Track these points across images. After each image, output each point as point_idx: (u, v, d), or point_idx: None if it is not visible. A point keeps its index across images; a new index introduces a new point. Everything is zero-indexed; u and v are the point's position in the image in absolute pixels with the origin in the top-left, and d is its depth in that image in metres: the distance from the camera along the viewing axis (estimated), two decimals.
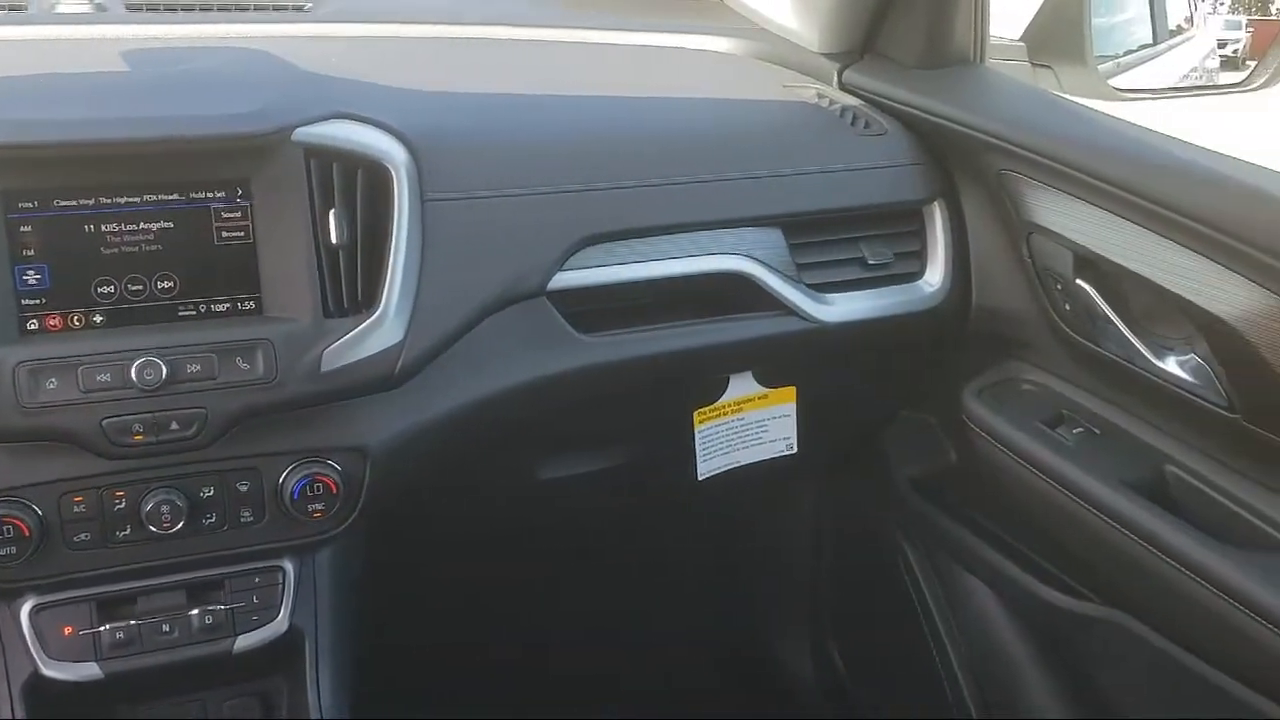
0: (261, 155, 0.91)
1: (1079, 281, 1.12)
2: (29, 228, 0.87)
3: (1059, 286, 1.15)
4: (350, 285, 0.94)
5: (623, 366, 1.10)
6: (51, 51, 1.16)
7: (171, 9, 1.30)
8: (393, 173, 0.95)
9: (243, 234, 0.92)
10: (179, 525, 0.94)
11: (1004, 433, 1.20)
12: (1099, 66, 1.53)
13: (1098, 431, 1.17)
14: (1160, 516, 1.04)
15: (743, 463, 1.30)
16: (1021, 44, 1.50)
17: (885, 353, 1.31)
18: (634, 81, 1.34)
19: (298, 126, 0.92)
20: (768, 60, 1.45)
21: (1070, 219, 1.10)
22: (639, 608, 1.75)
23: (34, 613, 0.97)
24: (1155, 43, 2.35)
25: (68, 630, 0.97)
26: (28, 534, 0.91)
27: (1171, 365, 1.07)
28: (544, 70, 1.34)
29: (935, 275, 1.23)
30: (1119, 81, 1.70)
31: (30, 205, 0.87)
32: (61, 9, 1.25)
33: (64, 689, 0.98)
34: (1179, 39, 2.60)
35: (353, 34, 1.34)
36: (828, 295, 1.19)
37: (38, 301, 0.89)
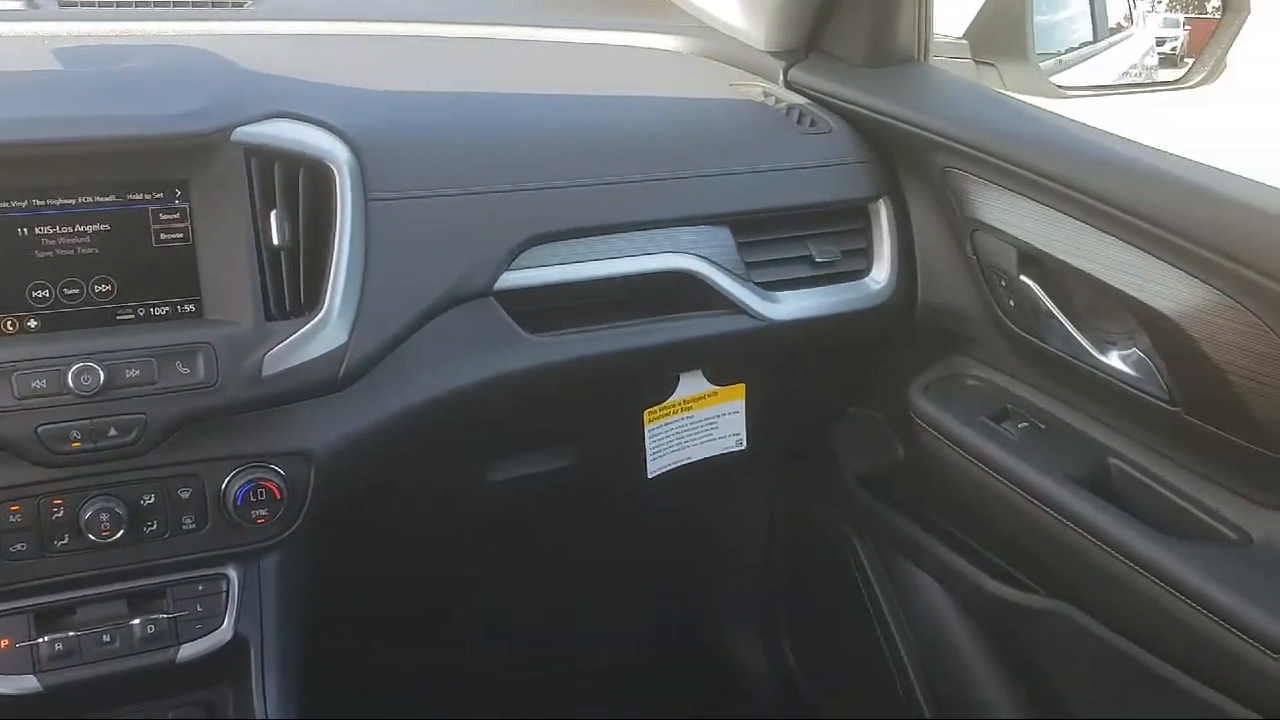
0: (201, 155, 0.90)
1: (1023, 277, 1.13)
2: None
3: (1003, 283, 1.16)
4: (293, 287, 0.93)
5: (572, 366, 1.10)
6: None
7: (107, 5, 1.27)
8: (335, 172, 0.94)
9: (182, 236, 0.91)
10: (119, 534, 0.93)
11: (950, 428, 1.21)
12: (1041, 64, 1.54)
13: (1042, 426, 1.18)
14: (1103, 509, 1.06)
15: (693, 459, 1.30)
16: (964, 42, 1.51)
17: (833, 350, 1.32)
18: (581, 79, 1.33)
19: (237, 126, 0.90)
20: (714, 58, 1.45)
21: (1014, 215, 1.11)
22: (591, 607, 1.74)
23: None
24: (1096, 40, 2.38)
25: (4, 643, 0.95)
26: None
27: (1114, 360, 1.08)
28: (490, 68, 1.33)
29: (881, 273, 1.24)
30: (1061, 79, 1.72)
31: None
32: None
33: (0, 703, 0.96)
34: (1119, 36, 2.63)
35: (294, 31, 1.32)
36: (776, 293, 1.19)
37: None
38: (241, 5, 1.35)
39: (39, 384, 0.86)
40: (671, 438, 1.28)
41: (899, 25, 1.30)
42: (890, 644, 1.46)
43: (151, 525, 0.95)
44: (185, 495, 0.95)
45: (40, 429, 0.87)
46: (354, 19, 1.37)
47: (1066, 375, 1.14)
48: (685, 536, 1.78)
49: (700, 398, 1.28)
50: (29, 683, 0.96)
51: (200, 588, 1.00)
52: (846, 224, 1.24)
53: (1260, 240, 0.91)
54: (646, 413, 1.24)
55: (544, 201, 1.06)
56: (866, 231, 1.25)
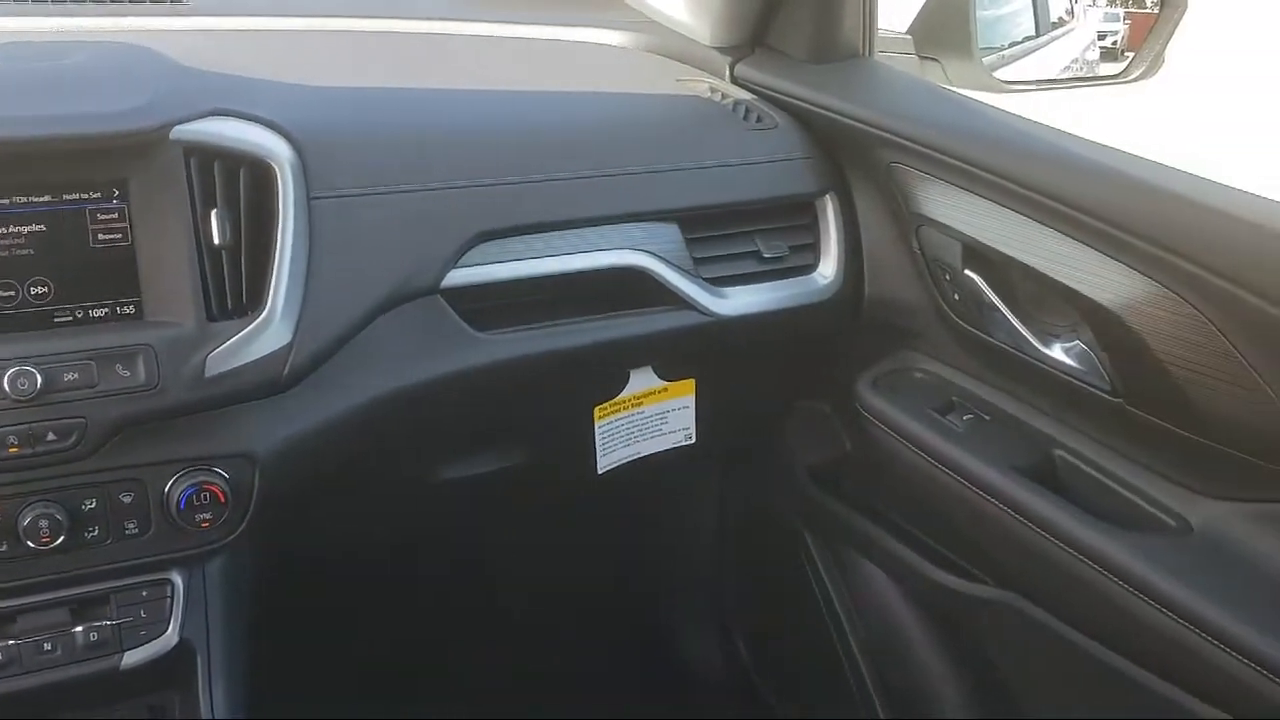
0: (139, 154, 0.88)
1: (967, 271, 1.14)
2: None
3: (948, 277, 1.17)
4: (235, 287, 0.91)
5: (521, 363, 1.10)
6: None
7: (41, 0, 1.25)
8: (276, 170, 0.93)
9: (121, 236, 0.89)
10: (60, 540, 0.91)
11: (897, 420, 1.22)
12: (984, 59, 1.55)
13: (987, 417, 1.20)
14: (1047, 499, 1.07)
15: (643, 455, 1.30)
16: (909, 37, 1.52)
17: (782, 344, 1.33)
18: (527, 75, 1.33)
19: (176, 124, 0.89)
20: (660, 54, 1.45)
21: (958, 210, 1.12)
22: (543, 603, 1.74)
23: None
24: (1038, 35, 2.40)
25: None
26: None
27: (1057, 352, 1.10)
28: (434, 64, 1.32)
29: (829, 267, 1.25)
30: (1004, 73, 1.73)
31: None
32: None
33: None
34: (1061, 31, 2.66)
35: (234, 27, 1.30)
36: (724, 289, 1.19)
37: None
38: (181, 0, 1.33)
39: None
40: (622, 433, 1.28)
41: (843, 21, 1.31)
42: (841, 636, 1.47)
43: (93, 531, 0.93)
44: (127, 500, 0.94)
45: None
46: (297, 14, 1.36)
47: (1010, 367, 1.16)
48: (637, 531, 1.78)
49: (650, 393, 1.28)
50: None
51: (144, 593, 0.98)
52: (793, 219, 1.25)
53: (1199, 234, 0.93)
54: (596, 409, 1.24)
55: (491, 198, 1.06)
56: (813, 227, 1.26)
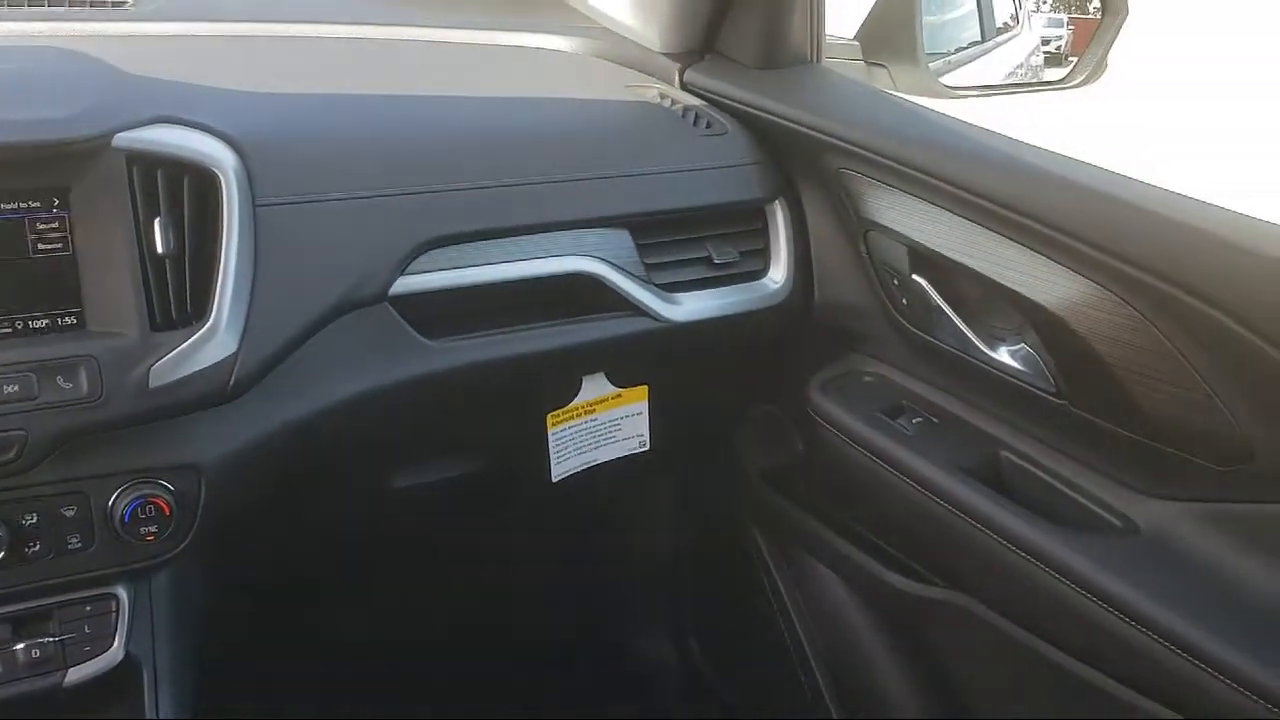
0: (80, 162, 0.87)
1: (914, 276, 1.15)
2: None
3: (896, 281, 1.18)
4: (179, 296, 0.90)
5: (472, 371, 1.09)
6: None
7: None
8: (221, 178, 0.91)
9: (61, 245, 0.87)
10: (0, 555, 0.89)
11: (847, 424, 1.23)
12: (930, 64, 1.57)
13: (936, 420, 1.21)
14: (994, 500, 1.08)
15: (597, 462, 1.30)
16: (856, 43, 1.53)
17: (734, 349, 1.33)
18: (474, 81, 1.32)
19: (118, 131, 0.87)
20: (610, 60, 1.45)
21: (905, 216, 1.13)
22: (498, 609, 1.73)
23: None
24: (984, 40, 2.43)
25: None
26: None
27: (1003, 355, 1.11)
28: (381, 70, 1.31)
29: (779, 273, 1.25)
30: (950, 79, 1.76)
31: None
32: None
33: None
34: (1006, 36, 2.70)
35: (178, 32, 1.28)
36: (676, 295, 1.19)
37: None
38: (123, 4, 1.31)
39: None
40: (575, 441, 1.27)
41: (791, 27, 1.32)
42: (794, 638, 1.48)
43: (35, 546, 0.91)
44: (70, 514, 0.92)
45: None
46: (242, 19, 1.34)
47: (958, 370, 1.17)
48: (592, 537, 1.78)
49: (603, 400, 1.28)
50: None
51: (88, 608, 0.96)
52: (744, 225, 1.25)
53: (1140, 237, 0.95)
54: (549, 416, 1.24)
55: (439, 205, 1.05)
56: (764, 232, 1.26)
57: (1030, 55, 2.84)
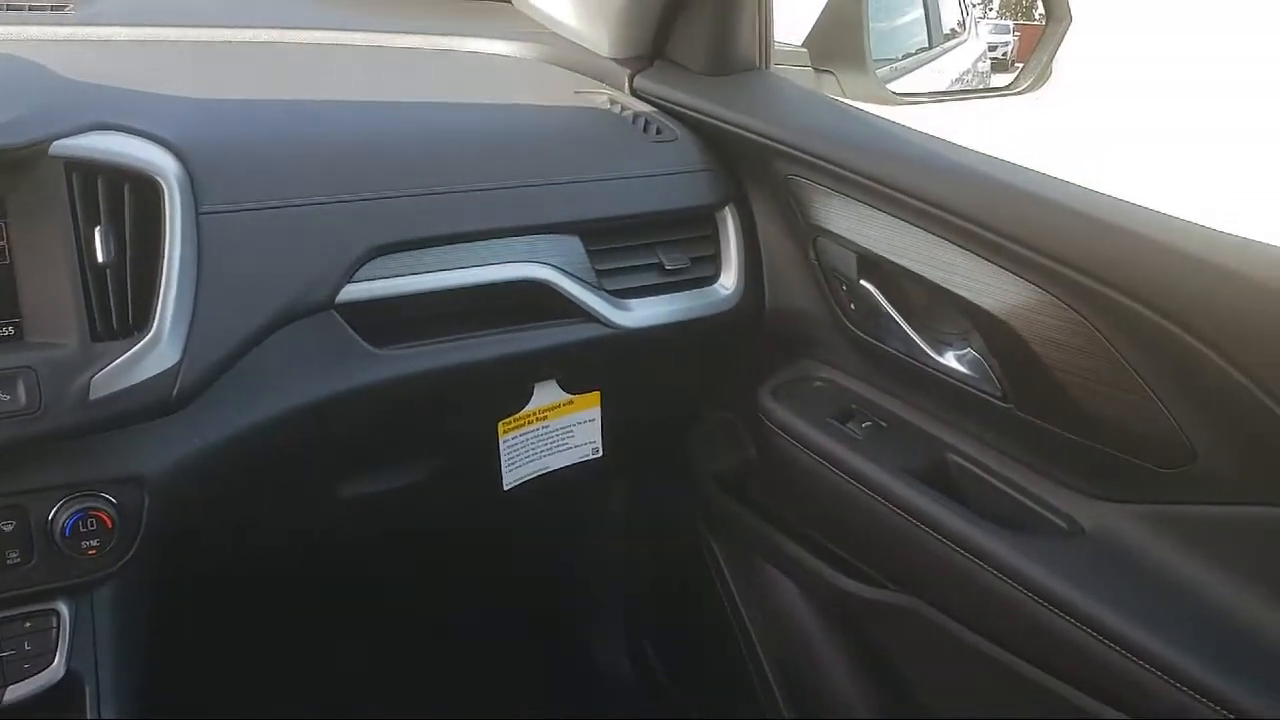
0: (17, 170, 0.85)
1: (862, 282, 1.16)
2: None
3: (844, 287, 1.19)
4: (120, 306, 0.88)
5: (421, 379, 1.08)
6: None
7: None
8: (163, 186, 0.90)
9: None
10: None
11: (798, 429, 1.24)
12: (878, 71, 1.58)
13: (885, 424, 1.22)
14: (942, 503, 1.09)
15: (550, 469, 1.29)
16: (804, 49, 1.54)
17: (686, 355, 1.33)
18: (422, 86, 1.31)
19: (57, 139, 0.86)
20: (559, 65, 1.45)
21: (853, 222, 1.14)
22: (451, 619, 1.72)
23: None
24: (931, 47, 2.46)
25: None
26: None
27: (950, 359, 1.12)
28: (327, 75, 1.30)
29: (729, 279, 1.26)
30: (898, 85, 1.77)
31: None
32: None
33: None
34: (953, 43, 2.73)
35: (118, 37, 1.26)
36: (627, 301, 1.19)
37: None
38: (63, 8, 1.29)
39: None
40: (527, 448, 1.27)
41: (740, 34, 1.32)
42: (747, 642, 1.48)
43: None
44: (9, 528, 0.90)
45: None
46: (185, 24, 1.32)
47: (906, 375, 1.18)
48: (546, 545, 1.77)
49: (555, 407, 1.28)
50: None
51: (28, 625, 0.94)
52: (694, 231, 1.25)
53: (1083, 242, 0.96)
54: (501, 424, 1.23)
55: (387, 211, 1.04)
56: (714, 238, 1.27)
57: (977, 62, 2.87)
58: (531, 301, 1.14)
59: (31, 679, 0.94)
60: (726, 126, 1.24)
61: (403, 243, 1.04)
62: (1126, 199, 1.00)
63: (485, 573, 1.74)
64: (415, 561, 1.64)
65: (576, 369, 1.26)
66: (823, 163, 1.14)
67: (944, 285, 1.07)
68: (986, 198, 1.03)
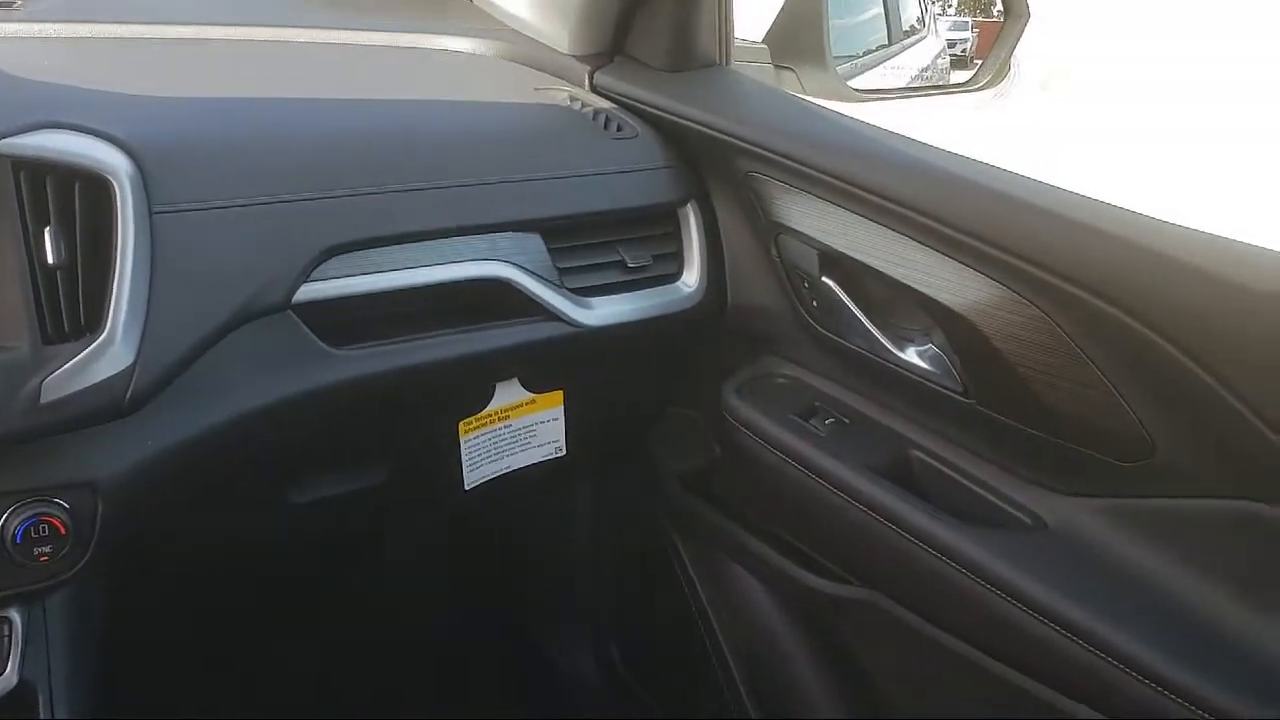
0: None
1: (824, 279, 1.16)
2: None
3: (806, 284, 1.19)
4: (71, 308, 0.86)
5: (380, 379, 1.07)
6: None
7: None
8: (114, 185, 0.88)
9: None
10: None
11: (761, 426, 1.24)
12: (838, 68, 1.59)
13: (847, 421, 1.22)
14: (905, 499, 1.10)
15: (512, 469, 1.29)
16: (764, 46, 1.54)
17: (649, 353, 1.33)
18: (379, 83, 1.30)
19: (3, 138, 0.83)
20: (518, 62, 1.44)
21: (814, 219, 1.14)
22: (413, 622, 1.71)
23: None
24: (891, 44, 2.47)
25: None
26: None
27: (911, 355, 1.13)
28: (284, 72, 1.28)
29: (692, 276, 1.25)
30: (858, 82, 1.78)
31: None
32: None
33: None
34: (912, 40, 2.75)
35: (70, 34, 1.24)
36: (589, 299, 1.18)
37: None
38: (11, 5, 1.26)
39: None
40: (489, 448, 1.26)
41: (700, 30, 1.32)
42: (712, 638, 1.48)
43: None
44: None
45: None
46: (137, 21, 1.29)
47: (868, 371, 1.18)
48: (509, 546, 1.76)
49: (517, 406, 1.27)
50: None
51: None
52: (656, 228, 1.25)
53: (1043, 239, 0.97)
54: (462, 424, 1.22)
55: (344, 210, 1.03)
56: (676, 236, 1.26)
57: (937, 58, 2.89)
58: (492, 300, 1.13)
59: None
60: (687, 123, 1.23)
61: (360, 241, 1.03)
62: (1087, 195, 1.00)
63: (447, 574, 1.73)
64: (376, 563, 1.62)
65: (539, 368, 1.25)
66: (783, 159, 1.14)
67: (905, 282, 1.07)
68: (947, 194, 1.03)
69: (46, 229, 0.85)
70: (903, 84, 2.31)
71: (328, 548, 1.49)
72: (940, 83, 2.70)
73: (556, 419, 1.30)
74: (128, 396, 0.89)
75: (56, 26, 1.24)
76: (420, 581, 1.71)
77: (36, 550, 0.89)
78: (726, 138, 1.19)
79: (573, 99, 1.30)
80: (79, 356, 0.86)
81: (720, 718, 1.49)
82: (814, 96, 1.45)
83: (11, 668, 0.93)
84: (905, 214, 1.04)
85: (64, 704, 0.96)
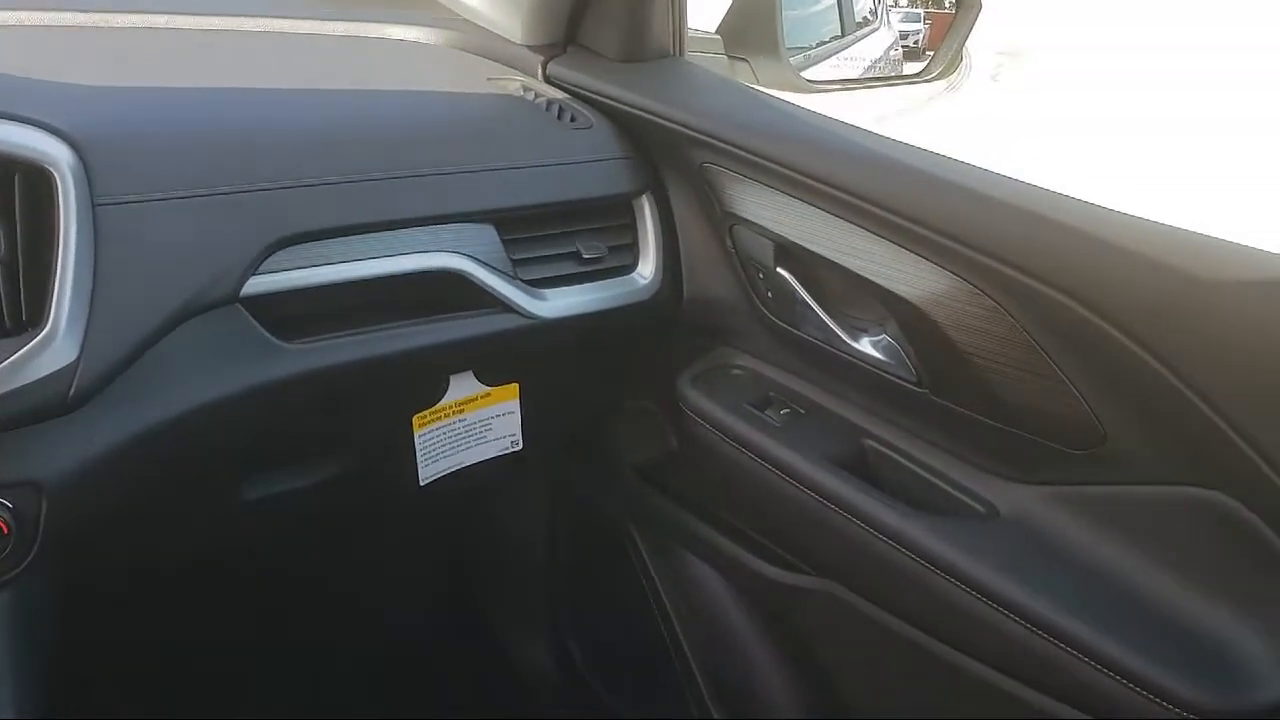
0: None
1: (779, 270, 1.16)
2: None
3: (761, 275, 1.19)
4: (12, 302, 0.84)
5: (332, 373, 1.05)
6: None
7: None
8: (56, 177, 0.86)
9: None
10: None
11: (717, 417, 1.24)
12: (791, 59, 1.59)
13: (803, 411, 1.22)
14: (860, 489, 1.10)
15: (467, 464, 1.28)
16: (718, 37, 1.54)
17: (604, 345, 1.32)
18: (329, 73, 1.28)
19: None
20: (470, 51, 1.42)
21: (769, 210, 1.14)
22: (369, 619, 1.70)
23: None
24: (844, 35, 2.48)
25: None
26: None
27: (866, 346, 1.13)
28: (231, 62, 1.26)
29: (648, 268, 1.25)
30: (811, 73, 1.78)
31: None
32: None
33: None
34: (865, 31, 2.76)
35: (9, 22, 1.21)
36: (544, 291, 1.18)
37: None
38: None
39: None
40: (444, 442, 1.25)
41: (653, 20, 1.31)
42: (671, 633, 1.48)
43: None
44: None
45: None
46: (81, 9, 1.27)
47: (823, 362, 1.18)
48: (465, 541, 1.75)
49: (472, 399, 1.26)
50: None
51: None
52: (612, 220, 1.24)
53: (997, 229, 0.97)
54: (416, 418, 1.21)
55: (293, 201, 1.01)
56: (631, 227, 1.26)
57: (889, 49, 2.90)
58: (445, 292, 1.11)
59: None
60: (641, 114, 1.23)
61: (310, 233, 1.01)
62: (1038, 185, 1.01)
63: (402, 571, 1.72)
64: (329, 561, 1.61)
65: (494, 361, 1.24)
66: (737, 150, 1.14)
67: (859, 272, 1.07)
68: (900, 184, 1.04)
69: None
70: (856, 75, 2.32)
71: (280, 545, 1.47)
72: (893, 74, 2.71)
73: (512, 412, 1.29)
74: (72, 392, 0.87)
75: (4, 15, 1.21)
76: (376, 578, 1.70)
77: None
78: (681, 128, 1.19)
79: (526, 89, 1.29)
80: (21, 352, 0.84)
81: (678, 715, 1.49)
82: (768, 87, 1.45)
83: None
84: (858, 205, 1.05)
85: (9, 703, 0.94)
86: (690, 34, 1.38)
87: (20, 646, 0.96)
